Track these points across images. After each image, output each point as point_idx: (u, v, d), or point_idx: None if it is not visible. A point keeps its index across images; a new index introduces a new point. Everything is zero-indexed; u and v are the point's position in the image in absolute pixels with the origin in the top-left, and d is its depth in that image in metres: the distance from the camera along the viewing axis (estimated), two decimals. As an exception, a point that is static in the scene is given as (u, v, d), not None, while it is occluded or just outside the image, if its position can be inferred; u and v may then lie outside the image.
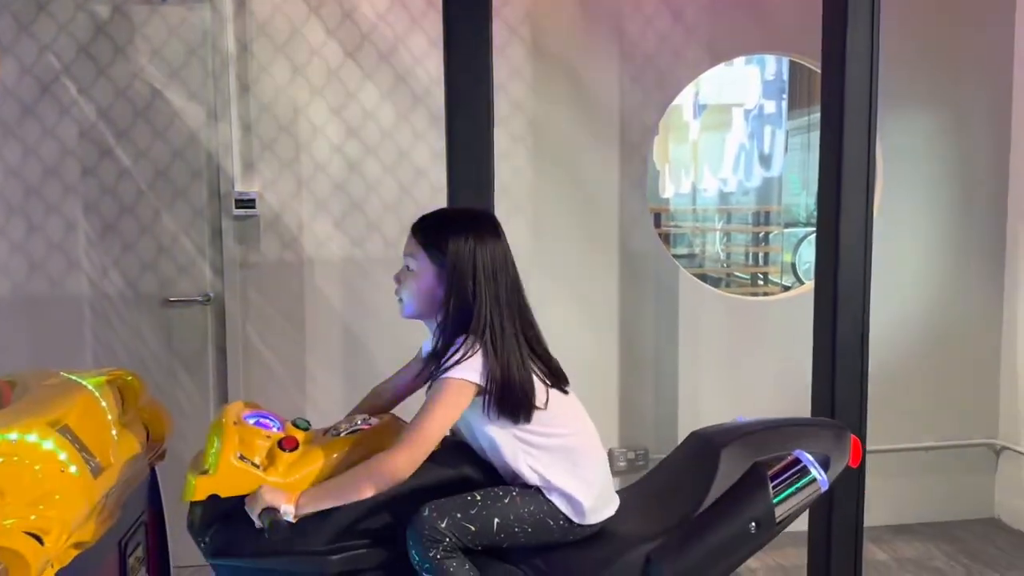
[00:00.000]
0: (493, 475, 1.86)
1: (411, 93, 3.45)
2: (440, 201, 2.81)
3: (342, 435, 1.83)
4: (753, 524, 1.84)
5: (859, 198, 2.75)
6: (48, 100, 3.26)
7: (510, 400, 1.77)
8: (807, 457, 1.90)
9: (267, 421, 1.83)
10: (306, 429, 1.88)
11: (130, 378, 2.10)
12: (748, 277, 9.59)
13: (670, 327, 3.72)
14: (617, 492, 1.97)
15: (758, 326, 3.80)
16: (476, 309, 1.78)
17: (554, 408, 1.83)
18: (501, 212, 3.39)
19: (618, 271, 3.67)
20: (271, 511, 1.66)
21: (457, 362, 1.75)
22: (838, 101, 2.71)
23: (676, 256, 9.59)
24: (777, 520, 1.85)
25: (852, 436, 2.05)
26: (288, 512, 1.67)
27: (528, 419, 1.79)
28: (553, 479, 1.81)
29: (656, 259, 3.73)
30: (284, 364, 3.45)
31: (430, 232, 1.85)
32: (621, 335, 3.69)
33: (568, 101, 3.55)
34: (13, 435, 1.52)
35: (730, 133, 9.80)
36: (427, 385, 1.84)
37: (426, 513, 1.72)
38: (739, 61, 8.87)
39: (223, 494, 1.71)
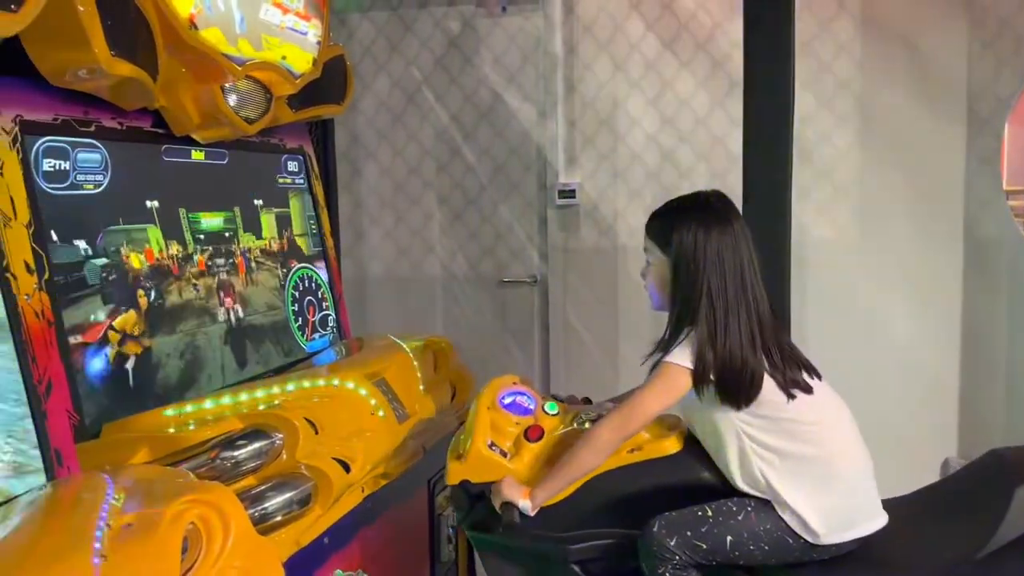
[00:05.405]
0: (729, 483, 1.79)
1: (727, 78, 3.43)
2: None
3: (586, 425, 1.89)
4: None
5: None
6: (412, 108, 3.84)
7: (730, 381, 1.70)
8: None
9: (523, 400, 1.93)
10: (556, 414, 1.94)
11: (443, 345, 2.46)
12: None
13: (1031, 325, 3.23)
14: (893, 501, 1.80)
15: None
16: (695, 300, 1.74)
17: (793, 413, 1.72)
18: (822, 198, 3.26)
19: (962, 261, 3.29)
20: (510, 506, 1.77)
21: (672, 348, 1.75)
22: None
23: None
24: None
25: None
26: (526, 508, 1.77)
27: (748, 402, 1.71)
28: (784, 493, 1.70)
29: (1011, 247, 3.25)
30: (598, 342, 3.67)
31: (658, 225, 1.85)
32: (964, 333, 3.30)
33: (903, 75, 3.26)
34: (335, 382, 1.91)
35: None
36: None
37: (655, 529, 1.70)
38: None
39: (473, 479, 1.85)
